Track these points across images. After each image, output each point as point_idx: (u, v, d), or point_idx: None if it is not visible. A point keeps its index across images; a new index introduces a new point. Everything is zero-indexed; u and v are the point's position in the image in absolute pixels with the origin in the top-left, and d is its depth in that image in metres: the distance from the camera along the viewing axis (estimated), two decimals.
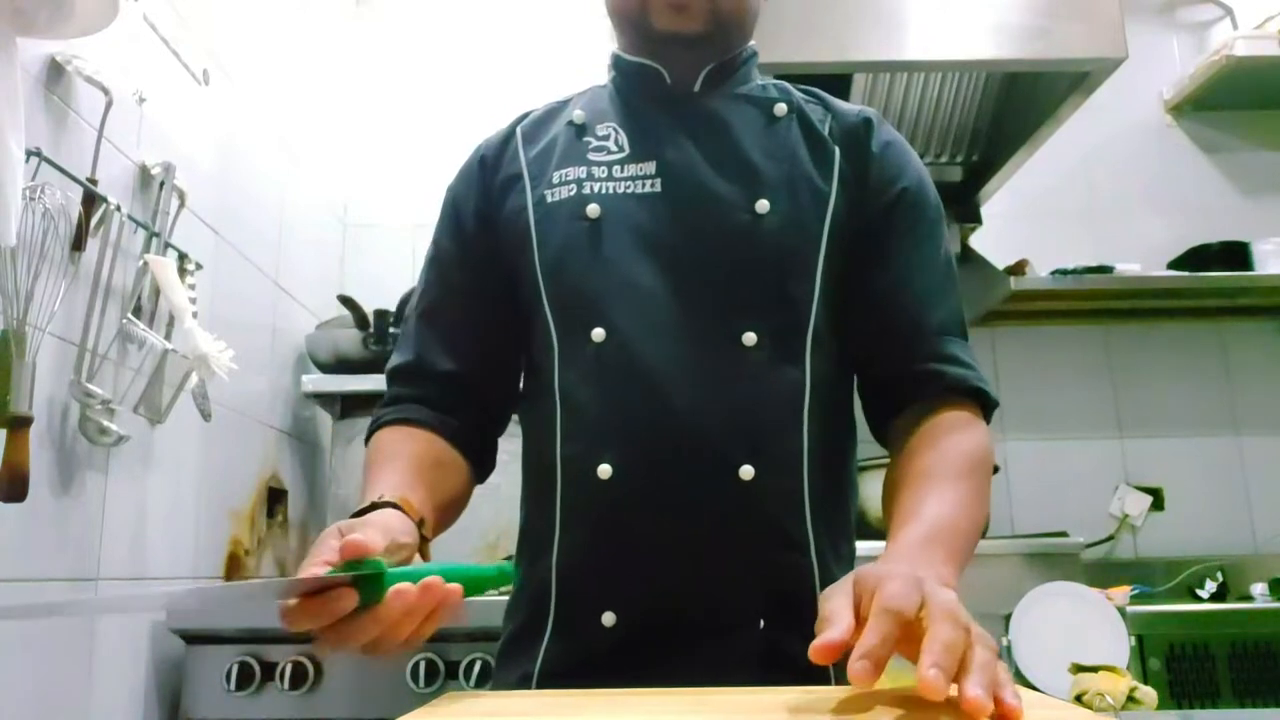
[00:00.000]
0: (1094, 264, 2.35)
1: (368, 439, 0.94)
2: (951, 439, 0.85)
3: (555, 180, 0.95)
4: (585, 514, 0.87)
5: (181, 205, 1.56)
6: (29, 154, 1.18)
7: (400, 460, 0.88)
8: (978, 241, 2.54)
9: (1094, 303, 2.44)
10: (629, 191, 0.93)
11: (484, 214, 0.98)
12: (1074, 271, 2.32)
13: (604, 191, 0.93)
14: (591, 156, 0.96)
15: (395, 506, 0.76)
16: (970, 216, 2.54)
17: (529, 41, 2.62)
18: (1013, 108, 2.26)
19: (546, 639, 0.87)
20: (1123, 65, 1.78)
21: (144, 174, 1.50)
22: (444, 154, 2.48)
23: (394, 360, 0.99)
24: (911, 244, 0.93)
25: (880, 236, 0.93)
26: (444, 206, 1.03)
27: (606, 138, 0.97)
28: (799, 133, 0.96)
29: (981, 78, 2.24)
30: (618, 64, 1.02)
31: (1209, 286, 2.35)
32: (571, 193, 0.94)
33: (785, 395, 0.87)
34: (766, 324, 0.87)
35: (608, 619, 0.84)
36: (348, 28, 2.62)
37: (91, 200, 1.32)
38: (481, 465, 0.98)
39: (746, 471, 0.84)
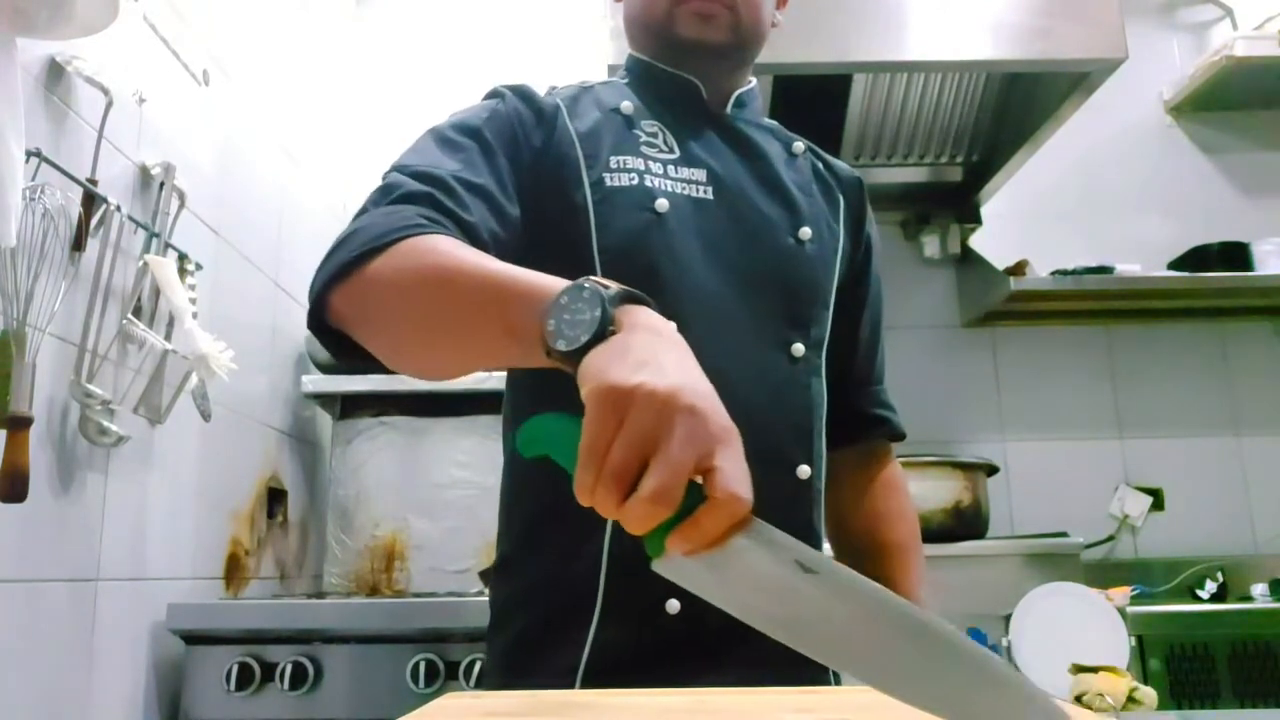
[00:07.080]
0: (1094, 264, 2.34)
1: (398, 239, 0.74)
2: (908, 511, 1.11)
3: (613, 165, 0.94)
4: None
5: (181, 206, 1.56)
6: (29, 154, 1.18)
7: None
8: (978, 241, 2.54)
9: (1094, 303, 2.44)
10: (685, 194, 0.95)
11: (538, 164, 0.93)
12: (1074, 272, 2.32)
13: (665, 189, 0.94)
14: (645, 150, 0.96)
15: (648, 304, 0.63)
16: (970, 216, 2.54)
17: (528, 42, 2.62)
18: (1013, 108, 2.26)
19: (594, 628, 0.86)
20: (1123, 65, 1.78)
21: (144, 174, 1.50)
22: None
23: (438, 167, 0.83)
24: (877, 306, 1.13)
25: (858, 291, 1.10)
26: (493, 114, 0.93)
27: (655, 135, 0.98)
28: (811, 173, 1.07)
29: (981, 78, 2.24)
30: (650, 72, 1.03)
31: (1209, 287, 2.34)
32: (633, 181, 0.93)
33: (817, 405, 0.98)
34: (806, 340, 0.97)
35: (672, 606, 0.84)
36: (348, 28, 2.62)
37: (91, 200, 1.32)
38: None
39: (804, 471, 0.93)
